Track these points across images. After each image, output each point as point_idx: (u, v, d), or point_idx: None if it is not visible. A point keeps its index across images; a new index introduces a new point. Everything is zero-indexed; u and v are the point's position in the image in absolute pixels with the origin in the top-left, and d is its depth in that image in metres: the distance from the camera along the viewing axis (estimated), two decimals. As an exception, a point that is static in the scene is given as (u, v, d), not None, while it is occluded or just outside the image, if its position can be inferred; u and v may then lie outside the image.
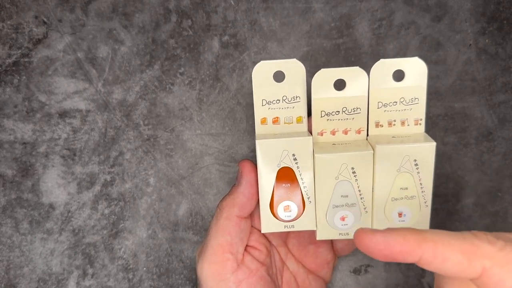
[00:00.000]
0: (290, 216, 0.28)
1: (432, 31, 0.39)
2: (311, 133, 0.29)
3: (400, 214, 0.28)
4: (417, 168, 0.27)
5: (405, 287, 0.40)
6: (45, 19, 0.39)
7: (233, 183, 0.40)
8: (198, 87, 0.40)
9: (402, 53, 0.39)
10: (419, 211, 0.28)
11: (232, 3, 0.39)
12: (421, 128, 0.29)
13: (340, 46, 0.39)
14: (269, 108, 0.29)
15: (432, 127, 0.39)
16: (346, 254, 0.34)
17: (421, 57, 0.39)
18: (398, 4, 0.39)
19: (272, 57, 0.39)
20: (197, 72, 0.39)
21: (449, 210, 0.39)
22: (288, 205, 0.28)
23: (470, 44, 0.39)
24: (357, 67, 0.28)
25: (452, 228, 0.39)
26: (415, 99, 0.29)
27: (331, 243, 0.34)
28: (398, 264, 0.40)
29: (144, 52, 0.39)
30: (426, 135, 0.28)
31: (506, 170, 0.39)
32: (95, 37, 0.39)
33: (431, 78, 0.39)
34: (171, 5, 0.39)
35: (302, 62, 0.39)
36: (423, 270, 0.40)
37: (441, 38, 0.39)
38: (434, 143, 0.27)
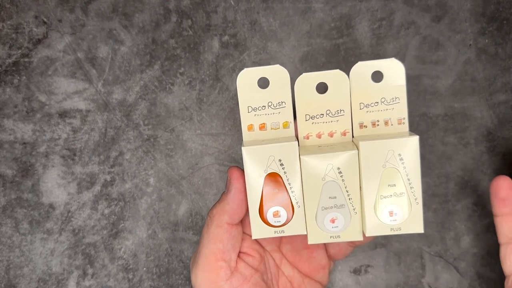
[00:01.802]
0: (279, 221, 0.28)
1: (432, 31, 0.39)
2: (297, 138, 0.29)
3: (391, 213, 0.28)
4: (402, 163, 0.27)
5: (405, 287, 0.40)
6: (45, 19, 0.39)
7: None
8: (198, 87, 0.40)
9: (402, 53, 0.39)
10: (410, 208, 0.28)
11: (232, 3, 0.39)
12: (405, 127, 0.29)
13: (340, 46, 0.39)
14: (255, 115, 0.30)
15: (432, 127, 0.39)
16: (341, 258, 0.34)
17: (421, 57, 0.39)
18: (398, 4, 0.39)
19: (272, 57, 0.39)
20: (197, 72, 0.39)
21: (449, 210, 0.40)
22: (277, 211, 0.28)
23: (470, 44, 0.39)
24: (338, 70, 0.29)
25: (452, 228, 0.40)
26: (395, 98, 0.29)
27: (325, 247, 0.34)
28: (398, 264, 0.40)
29: (144, 52, 0.39)
30: (410, 132, 0.29)
31: (505, 170, 0.39)
32: (95, 37, 0.39)
33: (431, 78, 0.39)
34: (171, 5, 0.39)
35: (302, 62, 0.39)
36: (423, 270, 0.40)
37: (441, 38, 0.39)
38: (417, 137, 0.27)
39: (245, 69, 0.29)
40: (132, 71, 0.39)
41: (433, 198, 0.40)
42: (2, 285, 0.40)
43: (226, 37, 0.39)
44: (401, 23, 0.39)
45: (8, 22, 0.39)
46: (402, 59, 0.39)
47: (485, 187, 0.39)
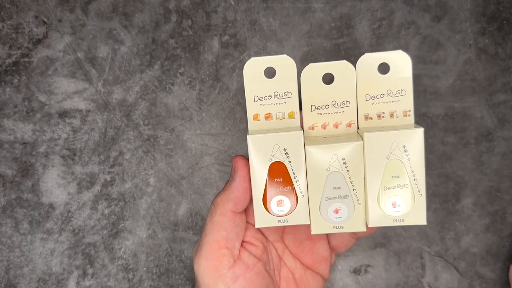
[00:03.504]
0: (283, 210, 0.28)
1: (432, 31, 0.39)
2: (303, 128, 0.29)
3: (394, 204, 0.28)
4: (407, 155, 0.27)
5: (405, 287, 0.40)
6: (45, 19, 0.39)
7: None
8: (198, 87, 0.40)
9: (402, 53, 0.39)
10: (413, 200, 0.28)
11: (232, 3, 0.39)
12: (411, 119, 0.29)
13: (340, 46, 0.39)
14: (261, 104, 0.30)
15: (432, 127, 0.39)
16: (342, 251, 0.34)
17: (421, 57, 0.39)
18: (398, 4, 0.39)
19: (272, 57, 0.39)
20: (197, 72, 0.39)
21: (449, 210, 0.40)
22: (281, 200, 0.28)
23: (470, 44, 0.39)
24: (344, 61, 0.29)
25: (452, 228, 0.40)
26: (402, 90, 0.29)
27: (327, 239, 0.34)
28: (398, 264, 0.40)
29: (144, 52, 0.39)
30: (416, 124, 0.29)
31: (505, 170, 0.39)
32: (95, 37, 0.39)
33: (431, 78, 0.39)
34: (171, 5, 0.39)
35: (302, 62, 0.39)
36: (423, 270, 0.40)
37: (441, 38, 0.39)
38: (422, 129, 0.27)
39: (252, 58, 0.29)
40: (132, 71, 0.39)
41: (433, 198, 0.40)
42: (2, 285, 0.40)
43: (226, 37, 0.39)
44: (401, 23, 0.39)
45: (8, 22, 0.39)
46: (402, 59, 0.39)
47: (485, 187, 0.39)
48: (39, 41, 0.39)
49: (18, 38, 0.39)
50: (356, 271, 0.40)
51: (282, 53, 0.39)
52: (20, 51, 0.39)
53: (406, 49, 0.39)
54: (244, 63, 0.39)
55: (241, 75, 0.39)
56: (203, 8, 0.39)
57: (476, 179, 0.39)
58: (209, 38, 0.39)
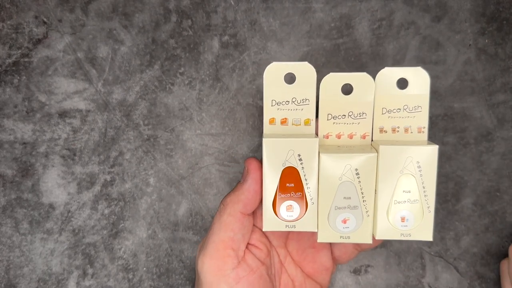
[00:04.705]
0: (292, 216, 0.29)
1: (432, 31, 0.39)
2: (317, 136, 0.30)
3: (403, 219, 0.28)
4: (420, 171, 0.27)
5: (405, 287, 0.40)
6: (45, 19, 0.39)
7: (233, 183, 0.40)
8: (198, 87, 0.40)
9: (402, 53, 0.39)
10: (422, 216, 0.28)
11: (232, 3, 0.39)
12: (424, 136, 0.30)
13: (340, 46, 0.39)
14: (278, 109, 0.30)
15: (432, 127, 0.39)
16: (344, 262, 0.34)
17: (421, 57, 0.39)
18: (398, 4, 0.39)
19: (272, 57, 0.39)
20: (197, 72, 0.40)
21: (449, 210, 0.40)
22: (291, 205, 0.28)
23: (469, 44, 0.39)
24: (365, 73, 0.29)
25: (452, 228, 0.40)
26: (418, 107, 0.29)
27: (330, 249, 0.34)
28: (398, 264, 0.40)
29: (144, 52, 0.39)
30: (429, 141, 0.29)
31: (504, 170, 0.39)
32: (95, 37, 0.39)
33: (431, 78, 0.39)
34: (171, 5, 0.39)
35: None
36: (423, 270, 0.40)
37: (441, 38, 0.39)
38: (437, 146, 0.27)
39: (274, 62, 0.29)
40: (132, 71, 0.39)
41: (433, 198, 0.40)
42: (2, 285, 0.40)
43: (226, 37, 0.39)
44: (401, 23, 0.39)
45: (8, 22, 0.39)
46: (402, 59, 0.39)
47: (484, 187, 0.39)
48: (39, 41, 0.39)
49: (18, 38, 0.39)
50: (356, 271, 0.40)
51: (282, 54, 0.40)
52: (20, 51, 0.39)
53: (406, 49, 0.39)
54: (244, 63, 0.39)
55: (241, 75, 0.39)
56: (203, 8, 0.39)
57: (476, 179, 0.39)
58: (209, 38, 0.39)
